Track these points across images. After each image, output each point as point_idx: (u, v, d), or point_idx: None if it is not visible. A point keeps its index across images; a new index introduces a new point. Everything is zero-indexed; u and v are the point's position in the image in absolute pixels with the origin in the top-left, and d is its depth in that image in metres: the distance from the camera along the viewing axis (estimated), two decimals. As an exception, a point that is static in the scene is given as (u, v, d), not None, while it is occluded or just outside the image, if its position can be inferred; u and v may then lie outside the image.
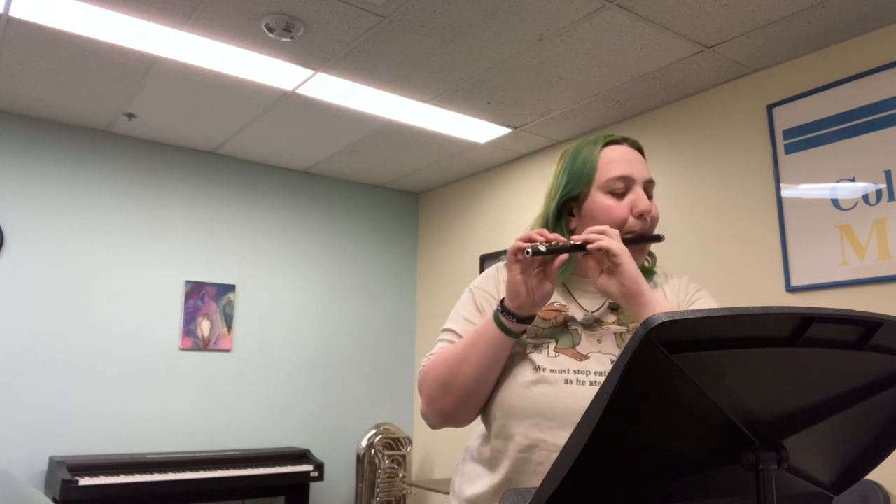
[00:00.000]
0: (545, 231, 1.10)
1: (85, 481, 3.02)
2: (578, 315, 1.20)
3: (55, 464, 3.15)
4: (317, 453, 4.06)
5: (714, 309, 0.56)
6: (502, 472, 1.12)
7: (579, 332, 1.16)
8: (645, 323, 0.54)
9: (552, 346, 1.14)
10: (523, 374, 1.12)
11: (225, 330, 3.93)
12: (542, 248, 1.05)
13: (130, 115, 3.49)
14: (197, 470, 3.37)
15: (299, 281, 4.25)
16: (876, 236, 2.42)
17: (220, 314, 3.92)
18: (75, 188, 3.61)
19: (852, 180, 2.51)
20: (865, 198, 2.47)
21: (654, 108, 3.27)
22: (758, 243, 2.77)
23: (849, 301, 2.48)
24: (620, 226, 1.16)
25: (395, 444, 4.08)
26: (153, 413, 3.65)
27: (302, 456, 3.78)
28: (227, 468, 3.46)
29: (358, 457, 4.00)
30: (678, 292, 1.24)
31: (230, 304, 3.96)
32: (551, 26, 2.54)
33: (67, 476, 3.01)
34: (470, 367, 1.11)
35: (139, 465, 3.30)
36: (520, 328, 1.11)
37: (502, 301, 1.11)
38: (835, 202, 2.55)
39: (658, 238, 1.21)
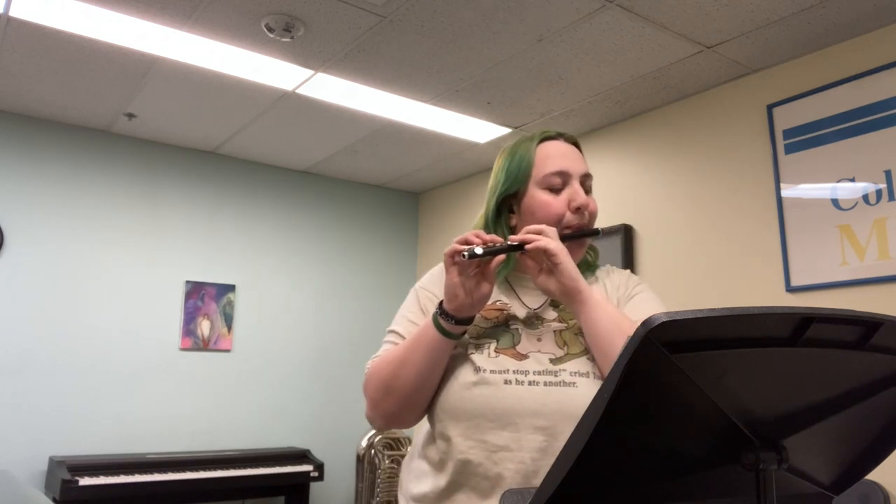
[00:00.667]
0: (481, 232, 1.12)
1: (85, 481, 3.02)
2: (520, 313, 1.21)
3: (55, 464, 3.15)
4: (317, 453, 4.06)
5: (714, 309, 0.56)
6: (447, 475, 1.12)
7: (520, 331, 1.17)
8: (645, 323, 0.54)
9: (492, 346, 1.15)
10: (464, 376, 1.12)
11: (225, 330, 3.93)
12: (479, 250, 1.06)
13: (130, 115, 3.49)
14: (197, 470, 3.37)
15: (299, 281, 4.25)
16: (876, 236, 2.42)
17: (220, 314, 3.92)
18: (75, 188, 3.61)
19: (852, 180, 2.51)
20: (865, 198, 2.47)
21: (654, 108, 3.27)
22: (758, 243, 2.77)
23: (849, 301, 2.48)
24: (558, 221, 1.17)
25: (395, 444, 4.08)
26: (153, 413, 3.65)
27: (302, 456, 3.78)
28: (227, 468, 3.46)
29: (358, 457, 4.00)
30: (618, 287, 1.25)
31: (230, 304, 3.96)
32: (551, 26, 2.54)
33: (67, 476, 3.01)
34: (411, 370, 1.12)
35: (139, 465, 3.30)
36: (459, 330, 1.11)
37: (441, 303, 1.11)
38: (835, 202, 2.55)
39: (596, 233, 1.22)
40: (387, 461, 3.99)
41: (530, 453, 1.06)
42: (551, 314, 1.20)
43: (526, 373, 1.10)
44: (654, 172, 3.23)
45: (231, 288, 3.98)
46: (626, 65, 2.82)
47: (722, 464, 0.67)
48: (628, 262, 3.24)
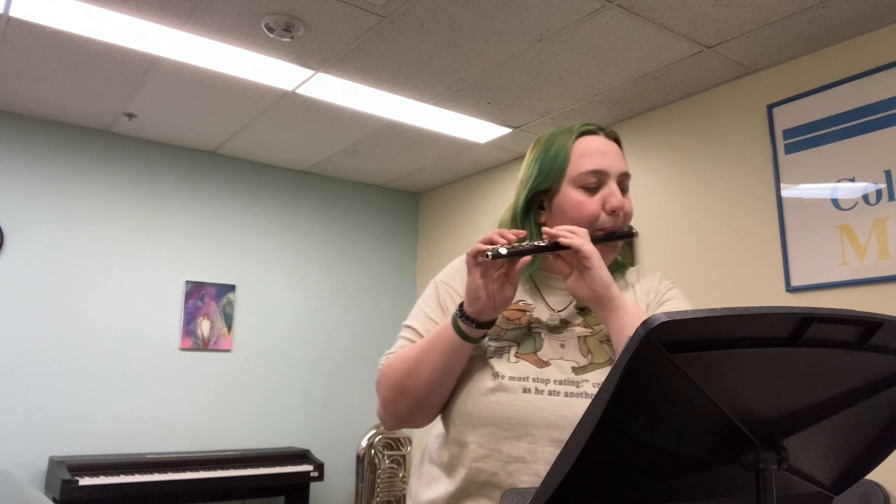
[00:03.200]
0: (506, 231, 1.05)
1: (85, 481, 3.02)
2: (544, 315, 1.15)
3: (55, 464, 3.15)
4: (317, 453, 4.06)
5: (714, 309, 0.56)
6: (458, 480, 1.08)
7: (542, 335, 1.11)
8: (645, 323, 0.54)
9: (513, 350, 1.09)
10: (482, 381, 1.07)
11: (225, 330, 3.92)
12: (503, 250, 0.99)
13: (130, 115, 3.49)
14: (197, 470, 3.37)
15: (299, 281, 4.25)
16: (876, 236, 2.42)
17: (220, 314, 3.92)
18: (75, 188, 3.61)
19: (852, 180, 2.51)
20: (865, 198, 2.47)
21: (654, 108, 3.27)
22: (758, 243, 2.77)
23: (849, 301, 2.48)
24: (591, 222, 1.11)
25: (395, 444, 4.08)
26: (153, 413, 3.65)
27: (302, 456, 3.78)
28: (227, 468, 3.46)
29: (358, 457, 4.00)
30: (649, 292, 1.19)
31: (230, 304, 3.96)
32: (551, 26, 2.54)
33: (67, 476, 3.01)
34: (426, 372, 1.07)
35: (139, 465, 3.30)
36: (479, 333, 1.06)
37: (461, 305, 1.06)
38: (835, 202, 2.55)
39: (630, 234, 1.16)
40: (387, 461, 3.99)
41: (546, 466, 1.00)
42: (577, 318, 1.14)
43: (546, 381, 1.05)
44: (653, 172, 3.23)
45: (231, 288, 3.98)
46: (626, 65, 2.82)
47: (722, 464, 0.67)
48: (628, 261, 3.24)
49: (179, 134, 3.75)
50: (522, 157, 4.29)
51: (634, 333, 0.54)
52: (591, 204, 1.12)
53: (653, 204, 3.22)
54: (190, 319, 3.82)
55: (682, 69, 2.86)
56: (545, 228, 1.08)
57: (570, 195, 1.13)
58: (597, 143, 1.16)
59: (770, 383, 0.63)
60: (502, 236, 1.04)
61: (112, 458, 3.32)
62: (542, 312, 1.16)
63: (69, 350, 3.47)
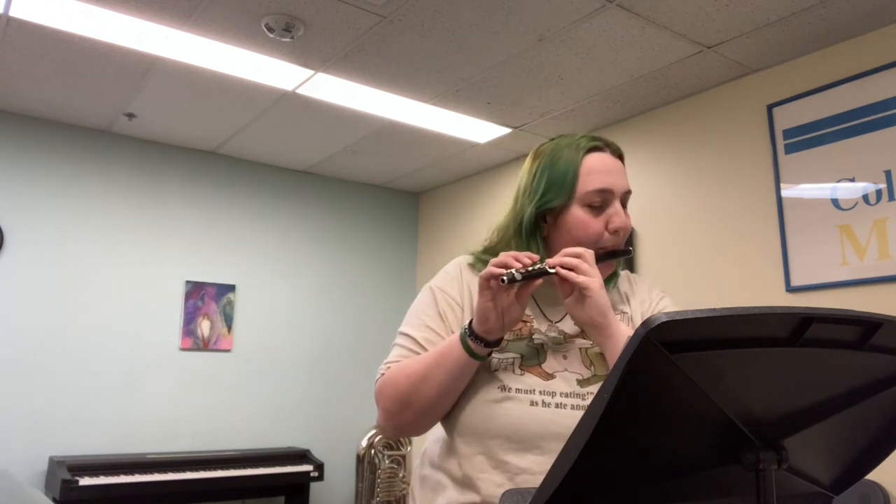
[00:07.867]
0: (521, 255, 1.05)
1: (85, 481, 3.02)
2: (543, 326, 1.17)
3: (55, 464, 3.15)
4: (317, 453, 4.06)
5: (714, 309, 0.56)
6: (469, 492, 1.09)
7: (545, 347, 1.14)
8: (645, 323, 0.54)
9: (517, 362, 1.11)
10: (489, 393, 1.09)
11: (225, 330, 3.92)
12: (518, 275, 1.02)
13: (130, 115, 3.49)
14: (197, 470, 3.37)
15: (299, 281, 4.25)
16: (876, 236, 2.42)
17: (220, 314, 3.92)
18: (76, 188, 3.60)
19: (852, 180, 2.51)
20: (865, 198, 2.47)
21: (654, 108, 3.27)
22: (758, 243, 2.77)
23: (849, 301, 2.48)
24: (595, 242, 1.14)
25: (395, 444, 4.08)
26: (153, 413, 3.65)
27: (302, 456, 3.78)
28: (227, 468, 3.46)
29: (358, 457, 4.00)
30: (643, 302, 1.23)
31: (230, 304, 3.96)
32: (551, 26, 2.54)
33: (67, 476, 3.01)
34: (432, 387, 1.08)
35: (139, 465, 3.30)
36: (487, 352, 1.08)
37: (470, 323, 1.07)
38: (835, 202, 2.55)
39: (627, 252, 1.19)
40: (387, 461, 3.99)
41: None
42: (574, 328, 1.17)
43: (553, 394, 1.08)
44: (653, 173, 3.23)
45: (231, 288, 3.98)
46: (626, 65, 2.82)
47: (722, 464, 0.67)
48: (628, 261, 3.24)
49: (179, 134, 3.75)
50: (523, 156, 4.27)
51: (634, 333, 0.54)
52: (595, 224, 1.15)
53: (653, 204, 3.22)
54: (190, 319, 3.82)
55: (682, 69, 2.86)
56: (550, 260, 1.08)
57: (577, 214, 1.15)
58: (604, 161, 1.18)
59: (770, 383, 0.63)
60: (518, 260, 1.04)
61: (112, 458, 3.32)
62: (540, 322, 1.18)
63: (69, 350, 3.47)
